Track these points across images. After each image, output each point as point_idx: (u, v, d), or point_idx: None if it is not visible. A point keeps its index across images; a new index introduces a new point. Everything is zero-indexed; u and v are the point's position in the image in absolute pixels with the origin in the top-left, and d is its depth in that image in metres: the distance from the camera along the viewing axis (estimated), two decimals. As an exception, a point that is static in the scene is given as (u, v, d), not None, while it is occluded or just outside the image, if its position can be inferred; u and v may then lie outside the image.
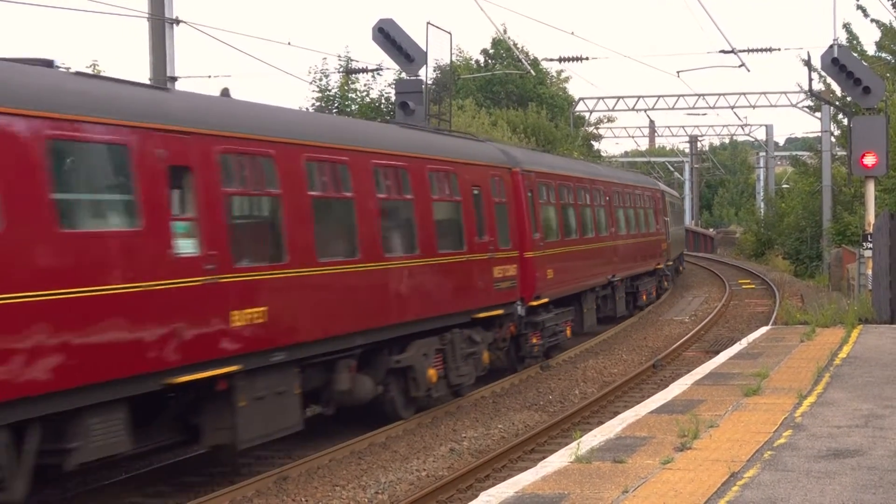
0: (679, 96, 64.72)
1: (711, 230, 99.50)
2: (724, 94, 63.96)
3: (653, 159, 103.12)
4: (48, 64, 12.12)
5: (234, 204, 13.84)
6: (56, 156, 11.21)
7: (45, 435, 11.13)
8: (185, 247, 12.74)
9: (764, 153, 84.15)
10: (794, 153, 76.54)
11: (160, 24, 23.04)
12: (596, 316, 29.40)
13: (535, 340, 23.44)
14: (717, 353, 21.91)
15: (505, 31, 65.80)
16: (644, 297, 36.60)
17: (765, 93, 63.09)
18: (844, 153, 43.58)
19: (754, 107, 63.77)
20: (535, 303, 23.05)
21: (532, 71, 61.19)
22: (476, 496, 10.85)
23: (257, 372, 13.91)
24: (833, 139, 48.71)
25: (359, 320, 16.23)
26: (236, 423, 13.65)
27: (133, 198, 12.16)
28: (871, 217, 28.53)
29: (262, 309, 13.87)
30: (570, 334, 26.38)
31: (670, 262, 43.72)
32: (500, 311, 21.30)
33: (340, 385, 16.15)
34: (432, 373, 18.42)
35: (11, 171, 10.61)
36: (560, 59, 49.25)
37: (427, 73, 28.85)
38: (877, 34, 44.92)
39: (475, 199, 20.66)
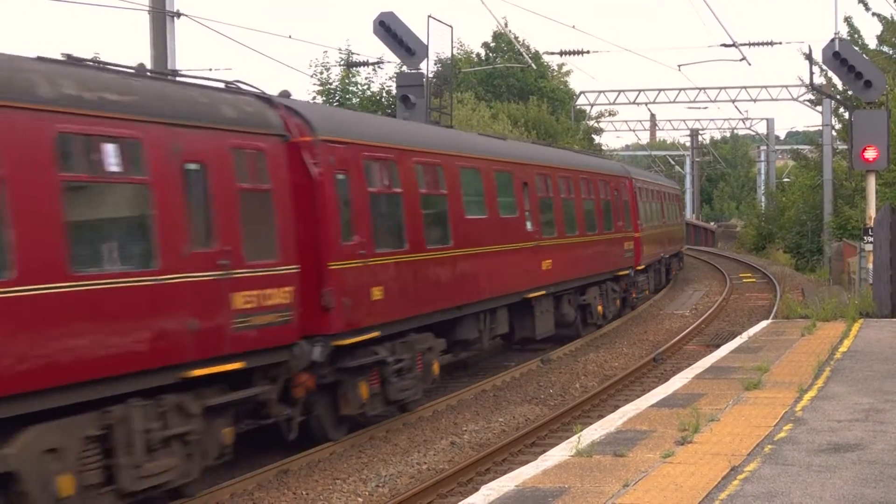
0: (680, 90, 64.65)
1: (712, 224, 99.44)
2: (725, 88, 63.91)
3: (654, 153, 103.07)
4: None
5: (542, 202, 24.96)
6: (496, 178, 22.11)
7: (489, 320, 21.57)
8: (528, 226, 23.91)
9: (765, 147, 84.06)
10: (794, 147, 76.44)
11: (161, 17, 23.02)
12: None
13: (634, 294, 33.69)
14: (718, 346, 21.93)
15: (506, 25, 65.74)
16: (674, 271, 47.41)
17: (766, 86, 63.07)
18: (845, 147, 43.51)
19: (755, 100, 63.72)
20: (639, 267, 33.76)
21: (533, 64, 61.16)
22: (477, 489, 10.86)
23: (542, 297, 24.48)
24: (834, 133, 48.58)
25: (577, 272, 27.20)
26: (535, 325, 24.30)
27: (514, 199, 23.18)
28: (871, 211, 28.52)
29: (550, 261, 24.87)
30: (649, 292, 38.23)
31: (683, 248, 54.93)
32: (627, 272, 32.36)
33: (564, 310, 26.48)
34: (600, 308, 29.27)
35: (488, 187, 21.64)
36: (561, 53, 49.40)
37: (428, 67, 28.86)
38: (878, 28, 44.89)
39: (615, 198, 31.57)
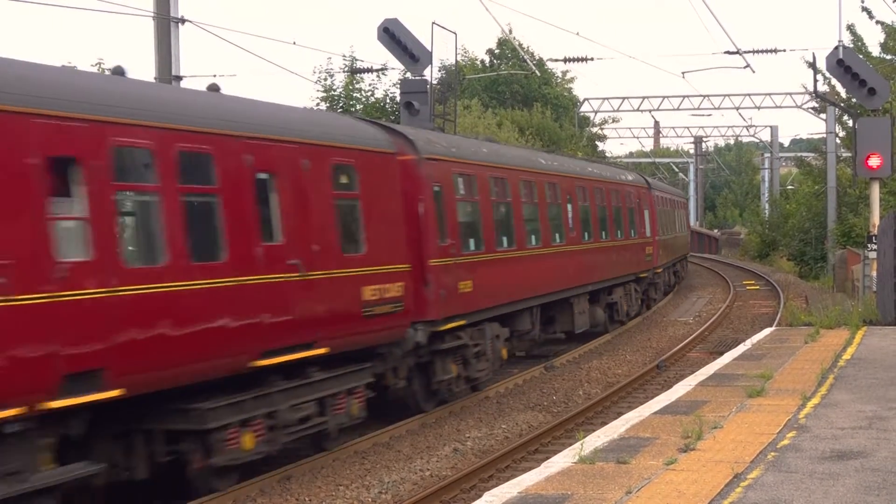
0: (684, 97, 64.74)
1: (716, 231, 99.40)
2: (728, 95, 64.04)
3: (657, 160, 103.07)
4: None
5: (659, 212, 31.31)
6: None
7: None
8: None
9: (769, 154, 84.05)
10: (798, 154, 76.42)
11: (165, 23, 23.07)
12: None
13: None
14: (722, 354, 21.90)
15: (510, 31, 65.81)
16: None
17: (770, 94, 63.18)
18: (849, 154, 43.51)
19: (759, 108, 63.84)
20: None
21: (537, 71, 61.22)
22: (479, 496, 10.86)
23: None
24: (838, 140, 48.55)
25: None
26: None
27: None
28: (875, 219, 28.52)
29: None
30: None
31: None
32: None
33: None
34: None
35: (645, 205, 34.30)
36: (565, 60, 49.36)
37: (432, 73, 28.89)
38: (881, 36, 44.83)
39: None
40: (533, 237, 23.82)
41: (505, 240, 22.07)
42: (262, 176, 14.12)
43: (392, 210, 17.35)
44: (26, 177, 10.75)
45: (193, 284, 12.67)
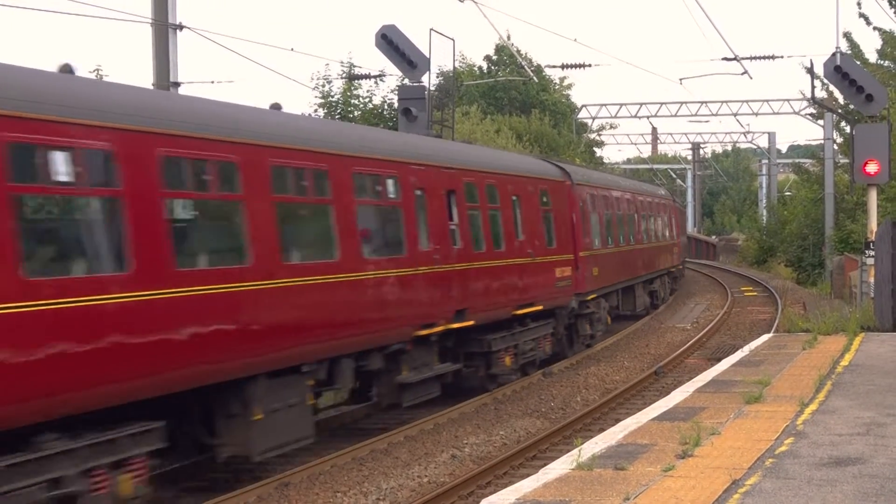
0: (682, 103, 64.75)
1: (713, 237, 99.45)
2: (726, 102, 64.03)
3: (655, 166, 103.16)
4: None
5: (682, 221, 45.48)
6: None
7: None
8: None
9: (766, 160, 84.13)
10: (796, 161, 76.52)
11: (164, 29, 23.07)
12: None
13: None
14: (719, 360, 21.90)
15: (508, 38, 65.91)
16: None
17: (767, 100, 63.17)
18: (847, 161, 43.55)
19: (757, 114, 63.83)
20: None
21: (535, 77, 61.22)
22: (477, 503, 10.85)
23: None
24: (835, 147, 48.58)
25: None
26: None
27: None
28: (873, 225, 28.50)
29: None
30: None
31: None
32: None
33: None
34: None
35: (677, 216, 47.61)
36: (563, 66, 49.40)
37: (430, 80, 28.87)
38: (878, 42, 44.92)
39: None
40: (621, 237, 32.84)
41: (610, 239, 31.11)
42: (514, 197, 23.07)
43: (563, 218, 26.18)
44: (441, 200, 19.54)
45: (496, 262, 21.74)
